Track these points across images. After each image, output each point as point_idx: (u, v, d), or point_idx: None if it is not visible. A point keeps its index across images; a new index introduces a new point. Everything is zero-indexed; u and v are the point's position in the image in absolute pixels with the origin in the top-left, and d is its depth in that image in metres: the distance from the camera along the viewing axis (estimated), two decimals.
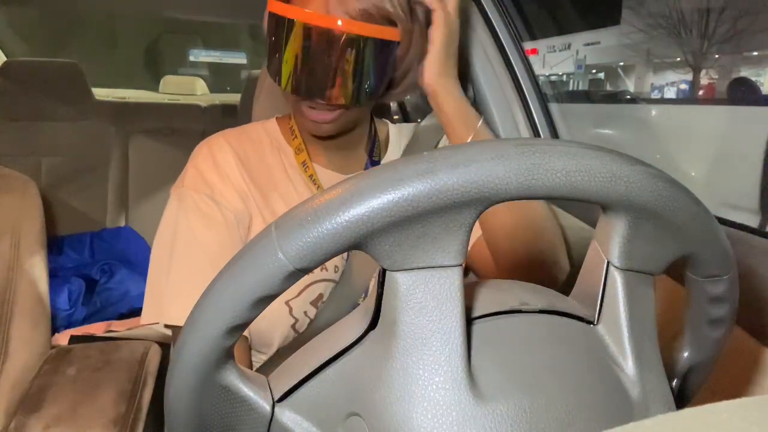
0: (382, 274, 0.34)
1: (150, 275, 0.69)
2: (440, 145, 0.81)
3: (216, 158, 0.71)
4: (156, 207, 2.36)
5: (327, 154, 0.77)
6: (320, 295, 0.72)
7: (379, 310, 0.35)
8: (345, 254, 0.73)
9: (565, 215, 0.91)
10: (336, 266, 0.73)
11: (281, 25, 0.63)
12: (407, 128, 0.85)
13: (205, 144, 0.73)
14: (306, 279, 0.71)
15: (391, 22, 0.64)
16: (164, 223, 0.70)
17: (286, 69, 0.65)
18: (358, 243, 0.31)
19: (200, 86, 3.41)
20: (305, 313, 0.71)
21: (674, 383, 0.47)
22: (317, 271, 0.71)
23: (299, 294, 0.70)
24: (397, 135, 0.83)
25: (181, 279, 0.66)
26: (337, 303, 0.72)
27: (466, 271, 0.82)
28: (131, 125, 2.40)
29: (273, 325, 0.71)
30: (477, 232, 0.77)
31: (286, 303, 0.70)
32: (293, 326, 0.71)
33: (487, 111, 0.98)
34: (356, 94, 0.65)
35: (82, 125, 2.32)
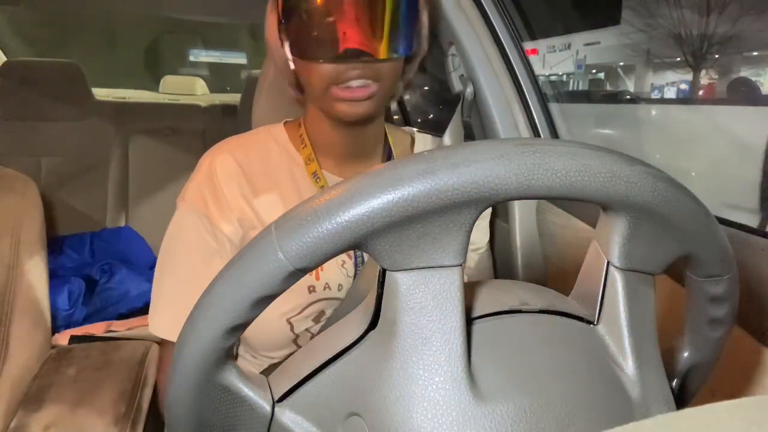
0: (382, 274, 0.34)
1: (153, 281, 0.71)
2: None
3: (218, 178, 0.69)
4: (156, 207, 2.36)
5: (341, 165, 0.74)
6: (322, 312, 0.71)
7: (379, 310, 0.35)
8: (352, 273, 0.72)
9: (565, 215, 0.91)
10: (340, 284, 0.71)
11: None
12: (432, 141, 0.84)
13: (208, 158, 0.70)
14: (309, 297, 0.70)
15: None
16: (167, 232, 0.71)
17: (323, 37, 0.61)
18: (358, 243, 0.31)
19: (200, 86, 3.41)
20: (307, 329, 0.71)
21: (674, 383, 0.47)
22: (320, 290, 0.70)
23: (301, 311, 0.69)
24: (422, 145, 0.81)
25: (168, 292, 0.68)
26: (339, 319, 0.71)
27: None
28: (131, 125, 2.40)
29: (274, 339, 0.70)
30: None
31: (288, 321, 0.69)
32: (295, 341, 0.71)
33: (487, 111, 0.98)
34: (399, 44, 0.63)
35: (82, 125, 2.32)
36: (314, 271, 0.70)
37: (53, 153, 2.29)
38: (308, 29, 0.62)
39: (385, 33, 0.62)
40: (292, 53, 0.65)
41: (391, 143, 0.78)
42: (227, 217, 0.68)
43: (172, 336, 0.68)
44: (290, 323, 0.69)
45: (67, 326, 1.77)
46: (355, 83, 0.62)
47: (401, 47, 0.63)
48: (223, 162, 0.70)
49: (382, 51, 0.62)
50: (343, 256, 0.72)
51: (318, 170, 0.72)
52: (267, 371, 0.71)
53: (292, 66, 0.67)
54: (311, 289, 0.70)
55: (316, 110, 0.71)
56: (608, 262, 0.38)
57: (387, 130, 0.78)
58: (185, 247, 0.68)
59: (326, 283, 0.71)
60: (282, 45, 0.66)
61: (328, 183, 0.72)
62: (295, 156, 0.73)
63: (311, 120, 0.73)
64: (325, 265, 0.71)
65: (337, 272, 0.71)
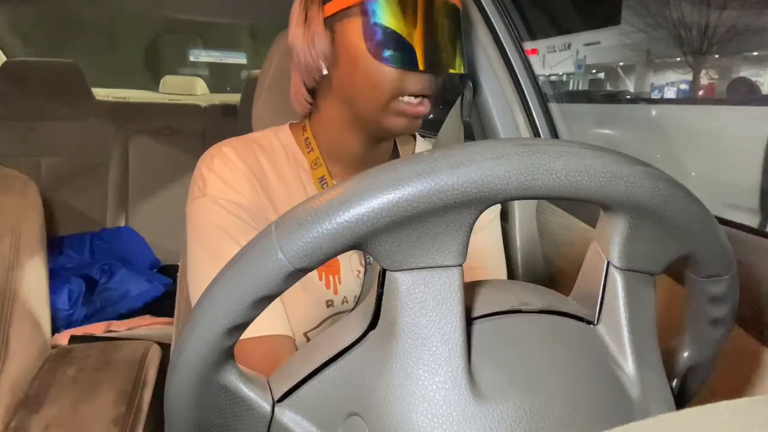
0: (382, 274, 0.34)
1: (190, 284, 0.66)
2: None
3: (235, 164, 0.67)
4: (156, 207, 2.36)
5: (349, 172, 0.72)
6: None
7: (379, 310, 0.35)
8: (363, 281, 0.71)
9: (565, 215, 0.91)
10: (356, 296, 0.70)
11: (396, 5, 0.62)
12: (432, 143, 0.83)
13: (216, 152, 0.68)
14: (327, 311, 0.69)
15: None
16: (193, 232, 0.66)
17: (415, 45, 0.63)
18: (358, 243, 0.31)
19: (200, 86, 3.41)
20: None
21: (674, 383, 0.47)
22: (339, 304, 0.69)
23: (319, 325, 0.69)
24: (424, 148, 0.81)
25: None
26: None
27: None
28: (131, 125, 2.40)
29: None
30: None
31: (305, 334, 0.68)
32: None
33: (487, 111, 0.98)
34: (462, 59, 0.67)
35: (82, 125, 2.32)
36: (333, 285, 0.69)
37: (53, 153, 2.29)
38: (398, 35, 0.63)
39: (458, 49, 0.67)
40: (375, 55, 0.63)
41: (399, 149, 0.78)
42: (258, 196, 0.67)
43: None
44: (307, 337, 0.69)
45: (67, 326, 1.78)
46: (415, 99, 0.65)
47: (464, 63, 0.68)
48: (232, 156, 0.68)
49: (457, 65, 0.67)
50: (358, 266, 0.71)
51: (326, 175, 0.70)
52: None
53: (324, 71, 0.66)
54: (329, 304, 0.69)
55: (336, 117, 0.69)
56: (608, 262, 0.38)
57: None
58: (222, 235, 0.64)
59: (344, 297, 0.70)
60: (342, 44, 0.65)
61: None
62: (301, 160, 0.72)
63: (325, 126, 0.70)
64: (343, 278, 0.70)
65: (353, 284, 0.70)
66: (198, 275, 0.65)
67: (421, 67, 0.63)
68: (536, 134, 1.01)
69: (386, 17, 0.62)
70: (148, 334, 1.64)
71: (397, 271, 0.33)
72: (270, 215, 0.68)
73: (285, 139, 0.73)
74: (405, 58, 0.63)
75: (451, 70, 0.66)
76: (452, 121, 0.84)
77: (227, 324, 0.32)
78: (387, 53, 0.63)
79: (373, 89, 0.64)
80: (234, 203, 0.65)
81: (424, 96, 0.65)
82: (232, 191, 0.66)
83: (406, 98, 0.64)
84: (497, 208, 0.85)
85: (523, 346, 0.35)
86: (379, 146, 0.72)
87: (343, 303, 0.70)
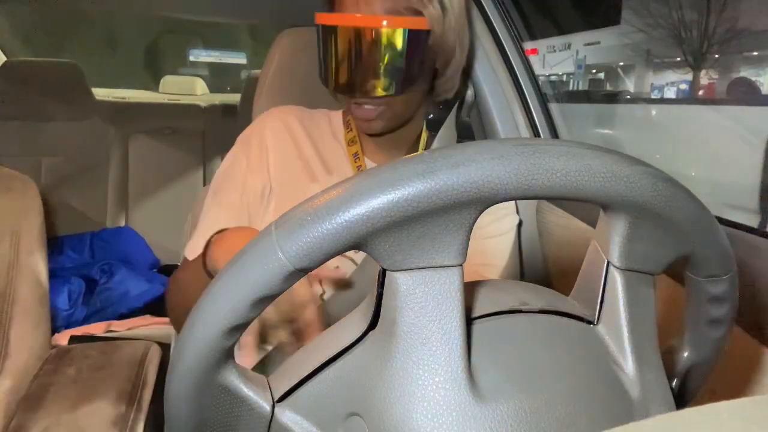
0: (382, 274, 0.34)
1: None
2: None
3: (265, 135, 0.78)
4: (156, 207, 2.36)
5: (381, 154, 0.80)
6: (337, 267, 0.73)
7: (379, 310, 0.35)
8: (353, 260, 0.73)
9: (565, 215, 0.91)
10: (336, 266, 0.73)
11: (323, 32, 0.70)
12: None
13: (268, 116, 0.80)
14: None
15: (418, 13, 0.69)
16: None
17: (330, 71, 0.72)
18: (357, 243, 0.31)
19: (200, 86, 3.41)
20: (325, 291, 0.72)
21: (674, 383, 0.47)
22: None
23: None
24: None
25: (203, 217, 0.76)
26: (338, 308, 0.72)
27: None
28: (131, 125, 2.40)
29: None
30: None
31: None
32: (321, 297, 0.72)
33: (487, 111, 0.98)
34: (393, 83, 0.70)
35: (82, 125, 2.32)
36: None
37: (53, 153, 2.29)
38: (323, 61, 0.72)
39: (375, 74, 0.70)
40: (318, 74, 0.74)
41: (422, 135, 0.83)
42: (263, 171, 0.77)
43: (187, 253, 0.75)
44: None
45: (67, 326, 1.78)
46: (367, 105, 0.73)
47: (393, 86, 0.71)
48: (281, 126, 0.79)
49: (379, 90, 0.71)
50: None
51: (359, 151, 0.79)
52: (262, 364, 0.71)
53: None
54: None
55: None
56: (608, 262, 0.38)
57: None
58: (222, 180, 0.78)
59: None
60: None
61: (366, 165, 0.79)
62: (340, 137, 0.81)
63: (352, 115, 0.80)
64: None
65: None
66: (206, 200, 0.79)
67: (334, 90, 0.74)
68: (536, 134, 1.01)
69: (319, 41, 0.72)
70: (148, 334, 1.64)
71: (397, 271, 0.33)
72: (299, 175, 0.77)
73: (335, 118, 0.84)
74: (327, 81, 0.73)
75: (372, 95, 0.71)
76: (452, 121, 0.85)
77: (227, 324, 0.32)
78: (322, 73, 0.74)
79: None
80: (245, 157, 0.77)
81: (373, 103, 0.72)
82: (248, 150, 0.77)
83: (354, 101, 0.73)
84: (515, 217, 0.85)
85: (523, 346, 0.35)
86: (391, 136, 0.79)
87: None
